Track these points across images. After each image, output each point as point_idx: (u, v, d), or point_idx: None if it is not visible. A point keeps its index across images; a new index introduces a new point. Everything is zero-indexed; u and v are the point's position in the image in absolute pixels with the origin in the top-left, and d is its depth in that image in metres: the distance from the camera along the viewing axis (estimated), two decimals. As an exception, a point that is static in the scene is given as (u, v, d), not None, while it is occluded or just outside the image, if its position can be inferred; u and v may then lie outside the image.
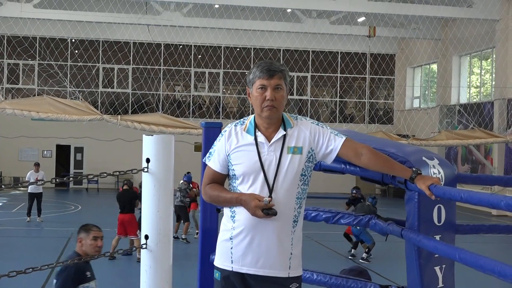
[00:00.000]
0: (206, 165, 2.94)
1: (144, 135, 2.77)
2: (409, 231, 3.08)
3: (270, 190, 2.76)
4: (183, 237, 12.65)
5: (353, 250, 11.29)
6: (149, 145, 2.71)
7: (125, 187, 11.15)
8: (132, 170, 2.77)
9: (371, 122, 26.07)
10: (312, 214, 3.52)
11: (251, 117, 2.91)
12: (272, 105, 2.77)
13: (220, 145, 2.88)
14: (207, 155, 2.94)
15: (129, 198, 10.84)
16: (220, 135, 2.94)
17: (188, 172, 14.06)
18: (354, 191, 12.55)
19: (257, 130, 2.84)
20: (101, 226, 4.25)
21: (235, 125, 2.90)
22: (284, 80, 2.81)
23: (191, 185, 13.26)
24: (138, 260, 10.07)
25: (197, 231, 13.40)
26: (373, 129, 21.67)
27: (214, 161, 2.88)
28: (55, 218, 15.90)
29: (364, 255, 10.97)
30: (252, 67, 2.84)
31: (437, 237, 3.12)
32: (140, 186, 12.76)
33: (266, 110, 2.78)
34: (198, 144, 24.77)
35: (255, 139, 2.82)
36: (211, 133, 3.83)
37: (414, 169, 2.85)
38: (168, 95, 26.75)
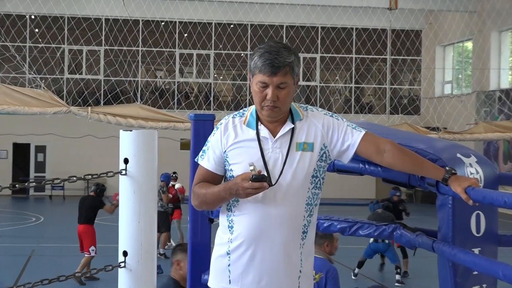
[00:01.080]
0: (198, 165, 2.96)
1: (121, 131, 2.78)
2: (442, 243, 3.08)
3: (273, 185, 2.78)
4: (161, 252, 12.65)
5: (357, 269, 11.28)
6: (128, 143, 2.71)
7: (91, 193, 11.25)
8: (106, 173, 2.78)
9: (394, 113, 26.04)
10: (325, 224, 3.53)
11: (252, 108, 2.93)
12: (273, 105, 2.79)
13: (215, 141, 2.90)
14: (200, 153, 2.96)
15: (87, 206, 10.94)
16: (215, 128, 2.96)
17: (174, 173, 14.08)
18: (398, 193, 12.30)
19: (259, 123, 2.86)
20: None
21: (233, 117, 2.92)
22: (292, 74, 2.81)
23: (167, 187, 13.29)
24: (80, 283, 10.08)
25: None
26: (397, 121, 21.65)
27: (208, 160, 2.90)
28: (12, 232, 15.87)
29: (397, 276, 10.87)
30: (255, 50, 2.83)
31: (476, 251, 3.13)
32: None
33: (267, 110, 2.81)
34: (184, 141, 24.75)
35: (257, 133, 2.84)
36: (201, 128, 3.84)
37: (447, 168, 2.86)
38: (149, 82, 26.72)
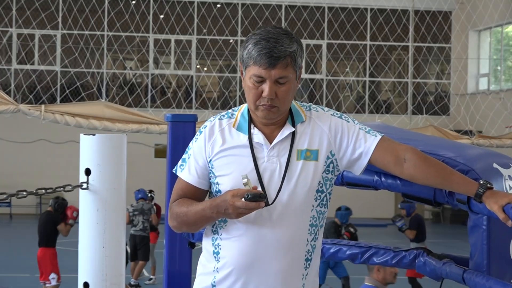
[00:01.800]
0: (177, 177, 2.96)
1: (81, 135, 2.78)
2: (474, 273, 3.10)
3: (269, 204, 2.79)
4: (132, 283, 12.65)
5: None
6: (89, 150, 2.72)
7: (49, 208, 11.20)
8: (64, 186, 2.78)
9: (417, 113, 26.08)
10: (331, 250, 3.54)
11: (244, 107, 2.94)
12: (271, 104, 2.80)
13: (197, 148, 2.90)
14: (179, 163, 2.96)
15: (44, 225, 10.93)
16: (198, 132, 2.96)
17: (151, 191, 14.07)
18: (401, 206, 12.66)
19: (252, 126, 2.88)
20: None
21: (220, 119, 2.93)
22: (294, 66, 2.83)
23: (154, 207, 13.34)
24: None
25: (151, 277, 13.43)
26: (420, 123, 21.67)
27: (188, 171, 2.90)
28: None
29: None
30: (249, 37, 2.84)
31: (517, 282, 3.15)
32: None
33: (263, 109, 2.82)
34: (160, 147, 24.75)
35: (250, 138, 2.85)
36: (180, 131, 3.85)
37: (481, 181, 2.87)
38: (116, 75, 26.70)
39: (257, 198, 2.67)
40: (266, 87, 2.78)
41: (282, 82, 2.79)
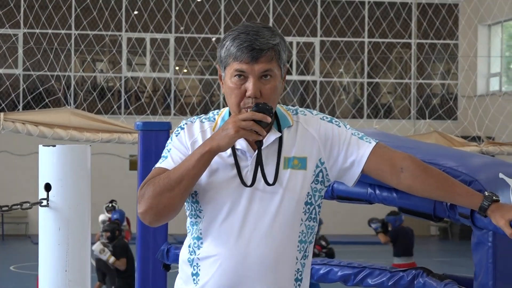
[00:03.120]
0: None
1: (40, 146, 2.78)
2: (479, 295, 3.13)
3: None
4: None
5: None
6: (50, 163, 2.72)
7: None
8: (21, 204, 2.78)
9: (420, 118, 26.17)
10: (321, 271, 3.55)
11: (225, 111, 2.95)
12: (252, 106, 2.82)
13: (178, 142, 2.90)
14: (161, 160, 2.92)
15: None
16: (177, 128, 2.97)
17: (112, 201, 14.00)
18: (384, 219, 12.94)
19: (235, 132, 2.88)
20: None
21: (202, 121, 2.95)
22: (278, 61, 2.84)
23: (125, 224, 13.31)
24: None
25: None
26: (423, 128, 21.72)
27: (171, 160, 2.87)
28: None
29: None
30: (226, 35, 2.85)
31: (526, 305, 3.17)
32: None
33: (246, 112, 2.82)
34: (135, 158, 24.70)
35: (232, 146, 2.83)
36: (153, 140, 3.85)
37: (486, 193, 2.89)
38: (84, 78, 26.66)
39: (264, 110, 2.72)
40: (249, 84, 2.79)
41: (267, 78, 2.81)
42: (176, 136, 2.91)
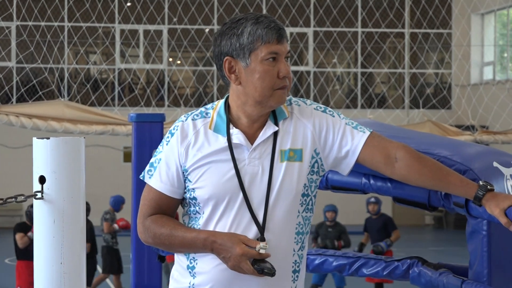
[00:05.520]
0: (145, 185, 2.94)
1: (34, 139, 2.77)
2: (474, 284, 3.11)
3: (261, 226, 2.79)
4: None
5: None
6: (44, 155, 2.70)
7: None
8: (15, 197, 2.78)
9: (414, 107, 26.18)
10: (316, 262, 3.55)
11: (219, 104, 2.92)
12: (287, 85, 2.83)
13: (169, 151, 2.88)
14: (147, 168, 2.93)
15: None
16: (168, 134, 2.94)
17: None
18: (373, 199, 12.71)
19: (231, 126, 2.86)
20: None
21: (193, 119, 2.90)
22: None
23: (114, 214, 13.26)
24: None
25: None
26: (417, 118, 21.74)
27: (159, 178, 2.88)
28: None
29: None
30: (236, 25, 2.82)
31: (521, 294, 3.18)
32: None
33: (281, 93, 2.82)
34: (129, 150, 24.71)
35: (229, 140, 2.84)
36: (147, 132, 3.84)
37: (481, 183, 2.89)
38: (78, 70, 26.62)
39: (267, 274, 2.73)
40: (281, 65, 2.81)
41: (287, 59, 2.84)
42: (167, 144, 2.89)
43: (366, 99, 27.59)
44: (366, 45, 27.46)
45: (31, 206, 11.35)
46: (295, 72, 27.34)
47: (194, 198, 2.84)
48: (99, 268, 13.34)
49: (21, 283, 10.90)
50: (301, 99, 2.97)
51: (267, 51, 2.79)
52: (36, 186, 2.71)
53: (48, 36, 25.38)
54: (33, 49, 24.39)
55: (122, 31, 26.52)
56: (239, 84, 2.84)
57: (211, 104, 2.95)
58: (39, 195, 2.69)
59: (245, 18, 2.83)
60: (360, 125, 2.96)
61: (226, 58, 2.84)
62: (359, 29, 27.51)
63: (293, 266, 2.85)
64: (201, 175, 2.82)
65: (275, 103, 2.83)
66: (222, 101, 2.92)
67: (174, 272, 2.93)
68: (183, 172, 2.85)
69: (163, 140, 2.94)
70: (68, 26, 26.00)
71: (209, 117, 2.88)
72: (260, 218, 2.79)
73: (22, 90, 25.24)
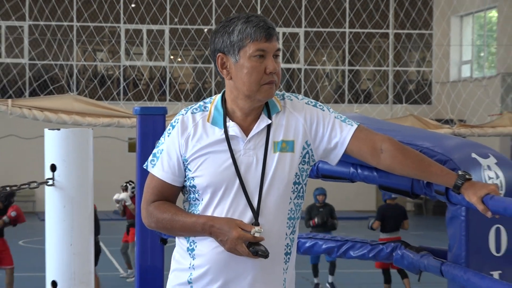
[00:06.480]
0: (148, 174, 2.94)
1: (46, 130, 2.77)
2: (452, 265, 3.12)
3: (255, 212, 2.80)
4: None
5: (315, 279, 12.19)
6: (55, 145, 2.71)
7: None
8: (29, 183, 2.77)
9: (397, 102, 26.17)
10: (307, 244, 3.56)
11: (216, 99, 2.92)
12: (274, 80, 2.82)
13: (170, 142, 2.88)
14: (150, 158, 2.94)
15: None
16: (169, 126, 2.94)
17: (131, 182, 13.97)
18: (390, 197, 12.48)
19: (228, 119, 2.86)
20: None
21: (193, 112, 2.91)
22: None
23: (130, 203, 13.28)
24: None
25: (128, 273, 13.45)
26: (400, 112, 21.78)
27: (161, 167, 2.88)
28: None
29: (330, 278, 11.98)
30: (230, 22, 2.83)
31: (496, 274, 3.16)
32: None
33: (268, 88, 2.82)
34: (133, 141, 24.66)
35: (226, 132, 2.84)
36: (150, 124, 3.84)
37: (460, 172, 2.89)
38: (86, 67, 26.56)
39: (261, 256, 2.73)
40: (268, 62, 2.80)
41: (277, 57, 2.83)
42: (168, 136, 2.89)
43: (353, 94, 27.56)
44: (353, 44, 27.45)
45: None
46: (287, 69, 27.31)
47: (194, 186, 2.84)
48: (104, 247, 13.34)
49: None
50: (294, 94, 2.97)
51: (254, 48, 2.79)
52: (48, 174, 2.71)
53: (58, 35, 25.37)
54: (44, 47, 24.36)
55: (127, 30, 26.45)
56: (230, 79, 2.85)
57: (209, 98, 2.95)
58: (50, 182, 2.69)
59: (237, 18, 2.83)
60: (348, 119, 2.96)
61: (218, 54, 2.85)
62: (347, 30, 27.48)
63: (285, 249, 2.86)
64: (200, 164, 2.82)
65: (263, 97, 2.82)
66: (219, 96, 2.92)
67: (175, 253, 2.93)
68: (183, 162, 2.85)
69: (165, 132, 2.94)
70: (77, 25, 25.95)
71: (207, 111, 2.89)
72: (255, 204, 2.80)
73: (34, 85, 25.22)
